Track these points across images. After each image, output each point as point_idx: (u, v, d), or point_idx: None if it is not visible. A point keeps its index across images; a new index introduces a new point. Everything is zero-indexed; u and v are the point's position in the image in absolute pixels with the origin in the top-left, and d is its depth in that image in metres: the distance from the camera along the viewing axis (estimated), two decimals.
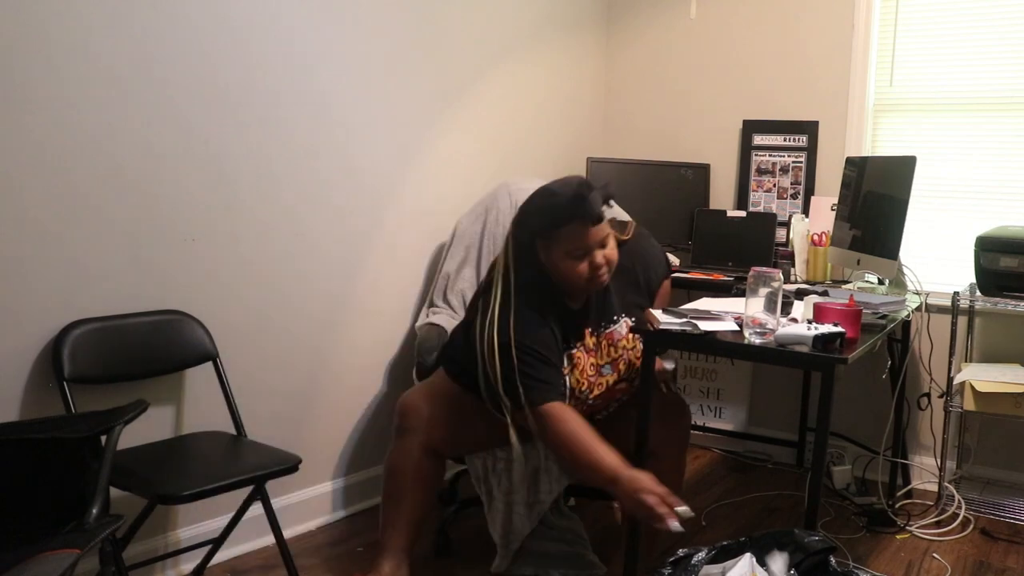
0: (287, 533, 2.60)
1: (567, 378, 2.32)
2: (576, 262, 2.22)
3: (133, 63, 2.34)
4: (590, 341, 2.39)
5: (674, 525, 1.95)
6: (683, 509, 1.97)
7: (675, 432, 2.50)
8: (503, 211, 3.08)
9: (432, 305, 3.06)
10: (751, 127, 3.87)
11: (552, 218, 2.19)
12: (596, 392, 2.42)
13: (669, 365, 2.67)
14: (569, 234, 2.19)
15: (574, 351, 2.35)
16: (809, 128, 3.75)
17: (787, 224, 3.62)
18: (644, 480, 2.01)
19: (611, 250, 2.27)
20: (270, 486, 2.36)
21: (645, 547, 2.47)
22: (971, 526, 3.12)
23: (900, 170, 2.93)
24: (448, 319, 2.96)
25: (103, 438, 1.85)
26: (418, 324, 3.03)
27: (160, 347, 2.42)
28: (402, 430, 2.48)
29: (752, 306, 2.21)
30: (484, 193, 3.25)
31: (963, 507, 3.21)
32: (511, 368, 2.19)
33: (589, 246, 2.21)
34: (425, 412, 2.46)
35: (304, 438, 2.91)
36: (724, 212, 3.77)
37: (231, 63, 2.57)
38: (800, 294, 2.77)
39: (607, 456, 2.09)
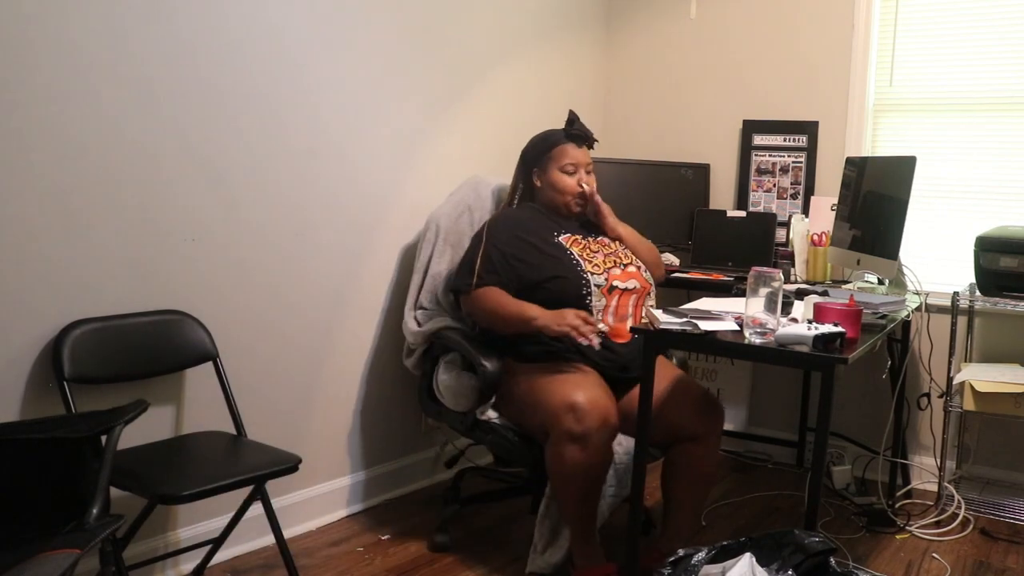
0: (287, 533, 2.60)
1: (572, 251, 2.70)
2: (567, 176, 2.77)
3: (133, 63, 2.34)
4: (578, 237, 2.77)
5: (595, 340, 2.52)
6: (601, 326, 2.60)
7: (713, 420, 2.67)
8: (486, 209, 3.07)
9: (421, 307, 2.96)
10: (751, 127, 3.87)
11: (550, 141, 2.83)
12: (609, 266, 2.71)
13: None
14: (563, 152, 2.78)
15: (563, 236, 2.74)
16: (809, 128, 3.75)
17: (787, 224, 3.63)
18: (568, 312, 2.55)
19: (593, 178, 2.83)
20: (270, 486, 2.37)
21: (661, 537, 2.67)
22: (971, 526, 3.12)
23: (900, 170, 2.93)
24: (448, 322, 2.90)
25: (103, 438, 1.84)
26: (422, 330, 2.88)
27: (160, 347, 2.42)
28: (584, 432, 2.41)
29: (752, 306, 2.21)
30: (453, 188, 3.18)
31: (963, 507, 3.22)
32: (472, 253, 2.72)
33: (578, 164, 2.78)
34: (585, 402, 2.43)
35: (304, 438, 2.91)
36: (724, 212, 3.77)
37: (231, 64, 2.57)
38: (800, 294, 2.77)
39: (530, 306, 2.60)
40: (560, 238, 2.73)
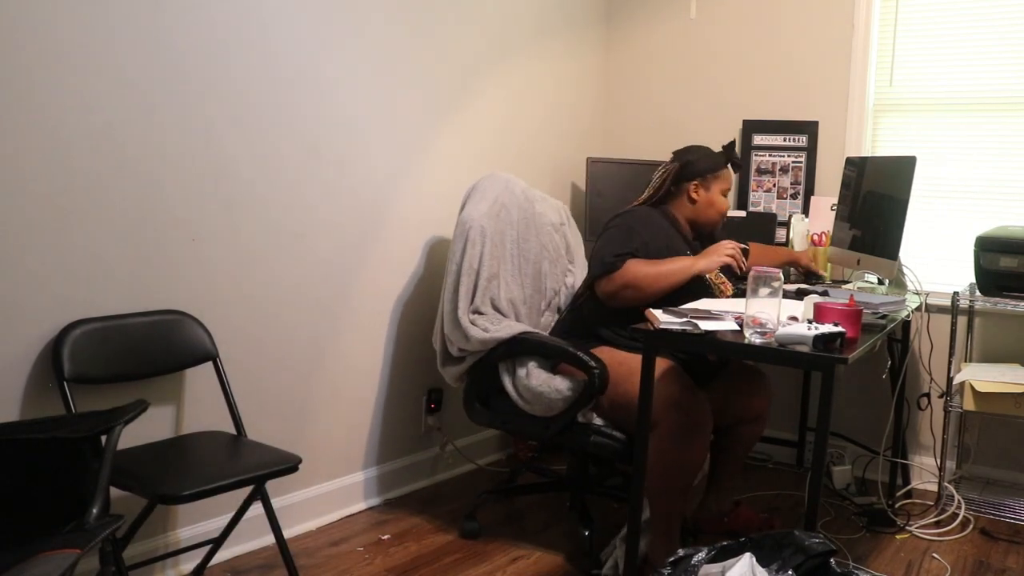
0: (287, 533, 2.60)
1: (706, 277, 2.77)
2: (724, 200, 2.86)
3: (136, 64, 2.34)
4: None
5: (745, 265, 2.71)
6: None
7: (768, 398, 2.89)
8: (522, 207, 3.02)
9: (477, 312, 2.83)
10: (751, 127, 3.87)
11: (720, 162, 2.86)
12: (728, 291, 2.83)
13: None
14: (727, 176, 2.86)
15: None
16: (809, 128, 3.75)
17: (787, 224, 3.62)
18: (720, 245, 2.69)
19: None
20: (270, 486, 2.37)
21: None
22: (971, 526, 3.12)
23: (900, 170, 2.93)
24: (526, 326, 2.82)
25: (103, 438, 1.85)
26: (493, 335, 2.75)
27: (160, 347, 2.42)
28: (699, 427, 2.50)
29: (752, 306, 2.21)
30: (468, 188, 3.10)
31: (963, 507, 3.22)
32: (604, 244, 2.67)
33: (730, 189, 2.88)
34: (692, 396, 2.49)
35: (304, 438, 2.91)
36: None
37: (231, 64, 2.57)
38: (800, 294, 2.77)
39: (678, 260, 2.65)
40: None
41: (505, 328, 2.78)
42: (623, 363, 2.63)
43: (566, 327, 2.87)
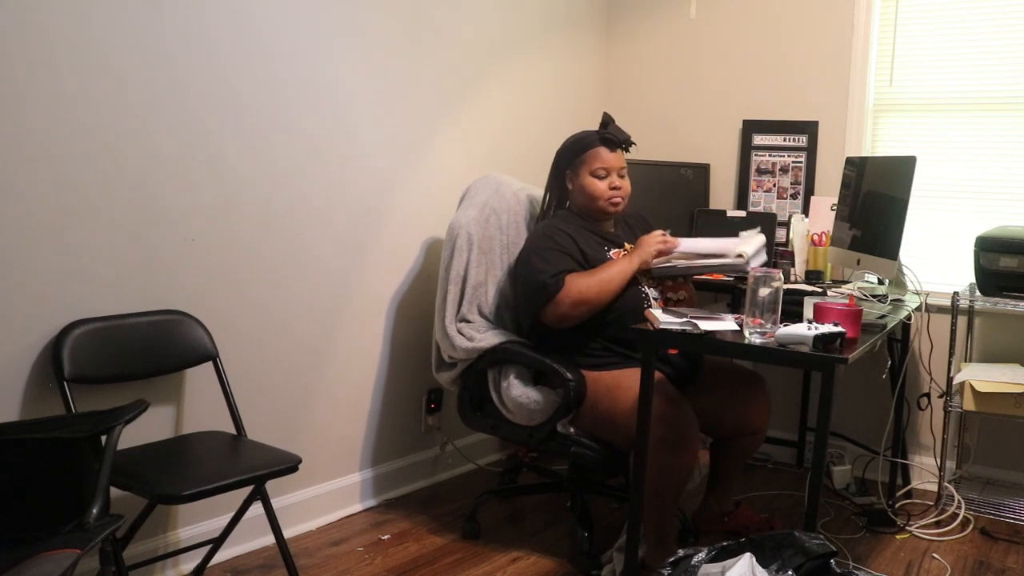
0: (287, 533, 2.60)
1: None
2: (599, 181, 2.72)
3: (134, 64, 2.34)
4: (623, 252, 2.77)
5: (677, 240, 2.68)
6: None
7: (768, 411, 2.84)
8: (512, 211, 3.00)
9: (464, 320, 2.85)
10: (751, 127, 3.87)
11: (583, 144, 2.76)
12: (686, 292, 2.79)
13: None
14: (595, 155, 2.72)
15: (612, 252, 2.74)
16: (809, 128, 3.75)
17: (787, 224, 3.62)
18: (647, 239, 2.69)
19: (626, 182, 2.78)
20: (270, 486, 2.37)
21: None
22: (971, 526, 3.12)
23: (900, 170, 2.92)
24: (509, 335, 2.81)
25: (103, 438, 1.85)
26: (476, 344, 2.77)
27: (160, 347, 2.42)
28: (685, 440, 2.46)
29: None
30: (464, 191, 3.11)
31: (963, 507, 3.21)
32: (531, 269, 2.64)
33: (610, 167, 2.72)
34: (676, 408, 2.47)
35: (304, 438, 2.91)
36: (724, 212, 3.77)
37: (232, 63, 2.57)
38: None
39: (615, 263, 2.63)
40: (610, 254, 2.73)
41: (489, 337, 2.78)
42: (599, 380, 2.62)
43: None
